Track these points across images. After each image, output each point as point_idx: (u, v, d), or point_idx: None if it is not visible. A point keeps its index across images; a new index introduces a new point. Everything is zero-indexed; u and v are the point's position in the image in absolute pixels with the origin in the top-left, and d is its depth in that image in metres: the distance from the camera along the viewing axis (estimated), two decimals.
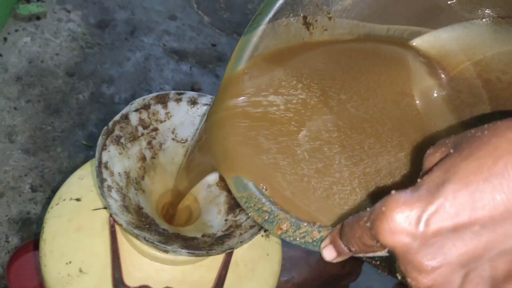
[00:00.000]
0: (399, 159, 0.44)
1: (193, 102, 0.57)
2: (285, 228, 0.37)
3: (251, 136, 0.43)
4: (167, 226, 0.54)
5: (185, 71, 1.29)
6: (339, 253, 0.31)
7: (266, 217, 0.38)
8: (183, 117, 0.57)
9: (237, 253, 0.58)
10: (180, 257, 0.53)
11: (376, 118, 0.47)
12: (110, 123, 0.51)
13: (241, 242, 0.49)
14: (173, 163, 0.58)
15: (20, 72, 1.16)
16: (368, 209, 0.27)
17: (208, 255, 0.46)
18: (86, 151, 1.08)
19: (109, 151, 0.51)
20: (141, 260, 0.54)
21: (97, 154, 0.49)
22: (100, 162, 0.49)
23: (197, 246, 0.49)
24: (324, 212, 0.39)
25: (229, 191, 0.57)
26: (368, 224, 0.26)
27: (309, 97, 0.45)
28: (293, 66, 0.47)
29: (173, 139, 0.57)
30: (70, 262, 0.55)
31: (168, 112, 0.56)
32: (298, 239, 0.36)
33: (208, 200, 0.59)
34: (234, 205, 0.56)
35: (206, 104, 0.57)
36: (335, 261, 0.31)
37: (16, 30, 1.22)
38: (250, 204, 0.39)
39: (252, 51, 0.44)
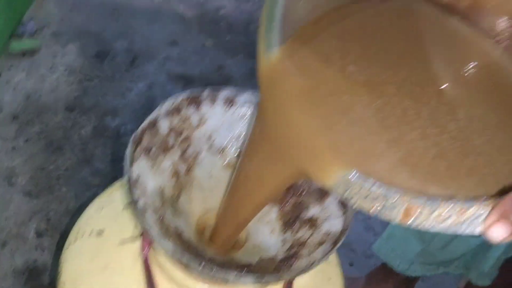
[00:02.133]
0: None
1: (230, 102, 0.48)
2: (416, 212, 0.27)
3: (328, 116, 0.34)
4: (214, 253, 0.44)
5: None
6: None
7: (382, 204, 0.28)
8: (219, 121, 0.48)
9: (297, 281, 0.48)
10: None
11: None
12: (138, 131, 0.42)
13: (313, 262, 0.39)
14: (211, 177, 0.48)
15: (16, 111, 1.07)
16: None
17: (279, 279, 0.36)
18: (94, 188, 0.98)
19: (139, 165, 0.41)
20: None
21: (125, 167, 0.39)
22: (131, 177, 0.39)
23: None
24: (455, 182, 0.29)
25: (282, 203, 0.47)
26: None
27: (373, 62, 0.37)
28: (345, 33, 0.38)
29: (209, 148, 0.48)
30: None
31: (202, 116, 0.47)
32: (439, 223, 0.27)
33: (255, 219, 0.49)
34: (291, 221, 0.46)
35: (246, 103, 0.48)
36: (507, 240, 0.24)
37: (10, 67, 1.14)
38: (353, 192, 0.29)
39: (282, 22, 0.35)
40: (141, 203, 0.39)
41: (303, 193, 0.47)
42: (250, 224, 0.49)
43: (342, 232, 0.41)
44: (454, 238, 0.69)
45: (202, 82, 1.25)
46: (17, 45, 1.16)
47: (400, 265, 0.77)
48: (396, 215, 0.28)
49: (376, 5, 0.42)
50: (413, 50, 0.41)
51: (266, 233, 0.47)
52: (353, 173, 0.29)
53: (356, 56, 0.38)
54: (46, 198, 0.95)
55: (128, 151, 0.40)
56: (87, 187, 0.98)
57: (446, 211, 0.26)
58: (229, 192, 0.46)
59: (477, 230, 0.26)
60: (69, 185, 0.98)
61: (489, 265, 0.72)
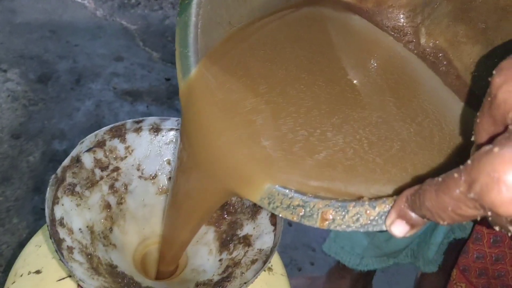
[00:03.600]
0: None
1: (156, 130, 0.48)
2: (331, 217, 0.30)
3: (249, 133, 0.35)
4: (151, 283, 0.44)
5: (142, 111, 1.20)
6: (412, 225, 0.27)
7: (302, 212, 0.31)
8: (147, 149, 0.48)
9: None
10: None
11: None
12: (59, 170, 0.42)
13: (245, 283, 0.40)
14: (144, 205, 0.49)
15: None
16: (456, 174, 0.22)
17: None
18: None
19: (62, 204, 0.41)
20: None
21: (46, 210, 0.39)
22: (53, 220, 0.39)
23: None
24: (361, 184, 0.32)
25: (217, 222, 0.48)
26: (472, 195, 0.21)
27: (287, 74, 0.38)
28: (255, 45, 0.40)
29: (139, 177, 0.48)
30: None
31: (128, 146, 0.47)
32: (351, 224, 0.30)
33: (193, 241, 0.49)
34: (226, 240, 0.47)
35: (172, 129, 0.48)
36: (408, 235, 0.27)
37: None
38: (276, 204, 0.32)
39: (195, 39, 0.37)
40: (65, 245, 0.39)
41: (237, 211, 0.48)
42: (189, 247, 0.49)
43: (272, 249, 0.42)
44: None
45: (150, 96, 1.24)
46: None
47: (351, 261, 0.79)
48: (315, 221, 0.31)
49: (283, 16, 0.43)
50: (320, 55, 0.42)
51: (204, 255, 0.47)
52: (274, 187, 0.32)
53: (267, 67, 0.39)
54: None
55: (48, 193, 0.40)
56: (39, 215, 0.96)
57: (355, 212, 0.30)
58: (166, 215, 0.46)
59: (383, 227, 0.29)
60: (20, 216, 0.96)
61: (433, 252, 0.75)
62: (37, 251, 0.52)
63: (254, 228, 0.46)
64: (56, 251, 0.37)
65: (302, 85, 0.40)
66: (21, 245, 0.91)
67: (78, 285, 0.45)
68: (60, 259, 0.37)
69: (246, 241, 0.45)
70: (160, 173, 0.49)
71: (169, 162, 0.49)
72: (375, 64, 0.43)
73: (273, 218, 0.45)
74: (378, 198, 0.30)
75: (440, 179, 0.24)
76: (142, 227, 0.48)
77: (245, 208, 0.47)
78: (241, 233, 0.46)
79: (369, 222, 0.29)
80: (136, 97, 1.23)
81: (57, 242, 0.38)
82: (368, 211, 0.29)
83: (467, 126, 0.38)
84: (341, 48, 0.44)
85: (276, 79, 0.40)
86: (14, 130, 1.09)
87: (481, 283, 0.57)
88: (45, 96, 1.17)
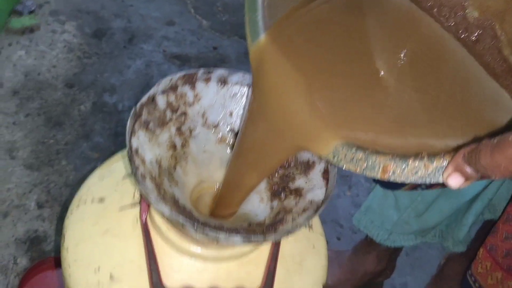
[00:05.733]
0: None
1: (223, 82, 0.51)
2: (391, 170, 0.34)
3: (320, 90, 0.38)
4: (208, 219, 0.48)
5: None
6: (467, 178, 0.31)
7: (365, 165, 0.35)
8: (213, 99, 0.52)
9: (283, 247, 0.53)
10: (224, 253, 0.48)
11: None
12: (138, 106, 0.45)
13: (296, 226, 0.43)
14: (204, 151, 0.52)
15: (16, 86, 1.10)
16: (510, 137, 0.26)
17: (265, 240, 0.41)
18: (93, 162, 1.01)
19: (138, 137, 0.45)
20: (181, 260, 0.48)
21: (127, 138, 0.43)
22: (131, 148, 0.43)
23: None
24: (419, 141, 0.35)
25: (269, 176, 0.51)
26: None
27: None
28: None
29: (203, 124, 0.52)
30: (99, 269, 0.49)
31: (197, 94, 0.51)
32: (410, 176, 0.34)
33: None
34: (278, 191, 0.50)
35: (237, 83, 0.51)
36: (462, 186, 0.31)
37: (10, 44, 1.16)
38: (340, 157, 0.36)
39: (263, 7, 0.41)
40: (139, 172, 0.43)
41: (291, 166, 0.51)
42: None
43: (324, 201, 0.45)
44: (427, 208, 0.74)
45: (197, 62, 1.28)
46: (16, 23, 1.18)
47: (379, 236, 0.82)
48: (376, 173, 0.35)
49: None
50: (363, 33, 0.45)
51: (255, 202, 0.51)
52: (341, 143, 0.36)
53: (328, 39, 0.42)
54: (47, 171, 0.98)
55: (129, 124, 0.44)
56: (86, 160, 1.01)
57: (414, 166, 0.33)
58: (232, 163, 0.50)
59: (440, 179, 0.33)
60: (68, 159, 1.01)
61: (464, 232, 0.77)
62: (100, 183, 0.56)
63: (306, 182, 0.49)
64: (133, 173, 0.41)
65: (362, 56, 0.42)
66: (68, 185, 0.96)
67: (141, 214, 0.49)
68: (136, 181, 0.41)
69: (298, 192, 0.49)
70: (221, 123, 0.53)
71: (231, 114, 0.53)
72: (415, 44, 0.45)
73: (326, 174, 0.48)
74: (436, 154, 0.33)
75: (495, 140, 0.27)
76: (200, 171, 0.52)
77: (298, 163, 0.50)
78: (293, 185, 0.50)
79: (427, 175, 0.33)
80: (184, 62, 1.27)
81: (135, 168, 0.42)
82: (426, 165, 0.33)
83: None
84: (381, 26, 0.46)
85: (339, 49, 0.42)
86: (68, 80, 1.14)
87: (507, 263, 0.59)
88: (99, 51, 1.22)
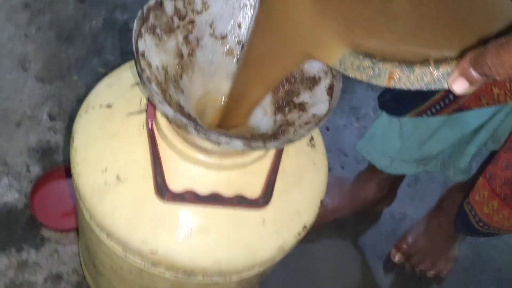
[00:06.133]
0: None
1: None
2: (398, 76, 0.34)
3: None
4: (211, 127, 0.49)
5: None
6: (471, 82, 0.31)
7: (371, 73, 0.35)
8: (222, 8, 0.51)
9: (284, 161, 0.54)
10: (226, 161, 0.49)
11: None
12: (144, 9, 0.45)
13: (300, 134, 0.44)
14: (212, 62, 0.52)
15: None
16: None
17: (265, 148, 0.42)
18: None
19: (145, 41, 0.45)
20: (184, 165, 0.49)
21: (133, 40, 0.43)
22: (137, 50, 0.43)
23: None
24: (425, 48, 0.35)
25: (276, 89, 0.51)
26: None
27: None
28: None
29: (211, 34, 0.51)
30: (106, 170, 0.51)
31: (205, 2, 0.50)
32: (415, 83, 0.34)
33: None
34: (282, 105, 0.50)
35: None
36: (467, 91, 0.31)
37: None
38: (347, 65, 0.36)
39: None
40: (145, 75, 0.43)
41: (297, 81, 0.51)
42: None
43: (326, 113, 0.46)
44: (431, 135, 0.74)
45: None
46: None
47: (381, 163, 0.83)
48: (383, 80, 0.35)
49: None
50: None
51: (259, 115, 0.52)
52: (349, 50, 0.36)
53: None
54: (58, 84, 0.99)
55: (135, 26, 0.44)
56: (97, 76, 1.02)
57: (420, 72, 0.33)
58: (240, 74, 0.50)
59: (445, 85, 0.33)
60: (80, 74, 1.02)
61: (466, 162, 0.78)
62: (109, 90, 0.57)
63: (310, 97, 0.49)
64: (138, 74, 0.42)
65: None
66: (79, 100, 0.98)
67: (147, 120, 0.50)
68: (141, 83, 0.42)
69: (301, 107, 0.49)
70: (229, 35, 0.52)
71: (239, 26, 0.52)
72: None
73: (330, 90, 0.48)
74: (442, 60, 0.33)
75: (503, 39, 0.28)
76: (207, 81, 0.52)
77: (304, 79, 0.51)
78: (297, 100, 0.50)
79: (432, 80, 0.33)
80: None
81: (141, 70, 0.42)
82: (432, 71, 0.33)
83: None
84: None
85: None
86: None
87: (504, 192, 0.60)
88: None
